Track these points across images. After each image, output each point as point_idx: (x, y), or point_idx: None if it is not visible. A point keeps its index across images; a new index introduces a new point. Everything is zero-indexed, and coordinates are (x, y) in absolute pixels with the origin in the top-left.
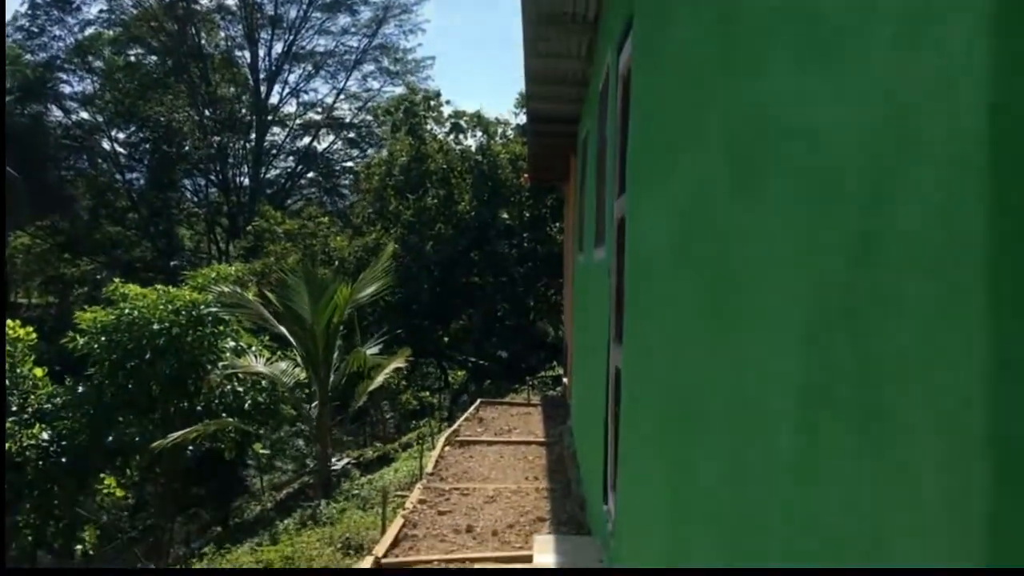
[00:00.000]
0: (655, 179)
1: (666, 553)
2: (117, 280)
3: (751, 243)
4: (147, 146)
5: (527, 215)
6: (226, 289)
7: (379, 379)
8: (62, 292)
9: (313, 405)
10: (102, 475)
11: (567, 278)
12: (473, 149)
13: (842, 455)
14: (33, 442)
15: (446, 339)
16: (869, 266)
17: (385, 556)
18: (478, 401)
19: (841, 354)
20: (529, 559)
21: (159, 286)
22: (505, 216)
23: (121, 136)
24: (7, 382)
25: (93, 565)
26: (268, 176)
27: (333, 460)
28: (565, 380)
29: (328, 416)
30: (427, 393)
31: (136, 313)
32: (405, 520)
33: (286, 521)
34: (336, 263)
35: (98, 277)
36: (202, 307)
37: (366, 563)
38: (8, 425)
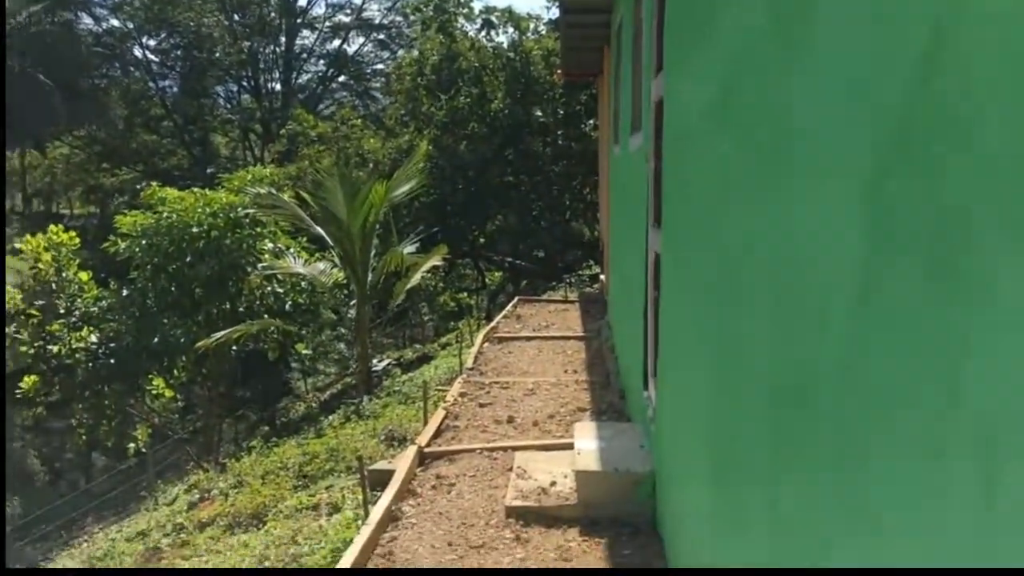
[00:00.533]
0: (694, 48)
1: (708, 434)
2: (155, 184)
3: (799, 92)
4: (178, 53)
5: (561, 112)
6: (262, 190)
7: (416, 277)
8: (102, 201)
9: (352, 304)
10: (150, 376)
11: (602, 175)
12: (505, 46)
13: (904, 322)
14: (82, 345)
15: (482, 240)
16: (931, 94)
17: (428, 446)
18: (515, 299)
19: (906, 205)
20: (570, 447)
21: (196, 189)
22: (539, 114)
23: (152, 43)
24: (53, 285)
25: (146, 464)
26: (299, 81)
27: (374, 361)
28: (602, 277)
29: (367, 313)
30: (465, 294)
31: (175, 216)
32: (446, 412)
33: (330, 417)
34: (370, 165)
35: (137, 187)
36: (239, 209)
37: (409, 452)
38: (56, 327)
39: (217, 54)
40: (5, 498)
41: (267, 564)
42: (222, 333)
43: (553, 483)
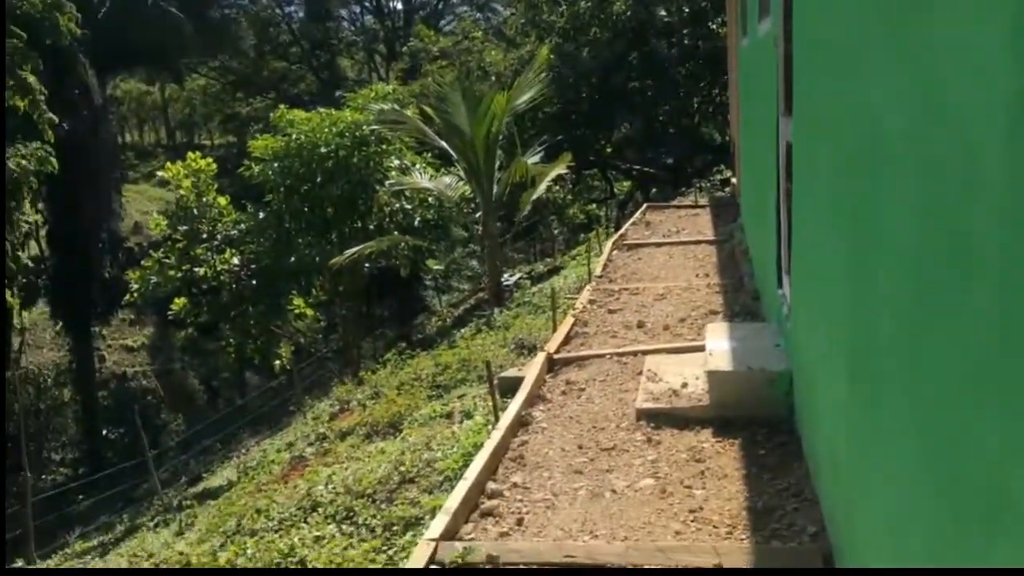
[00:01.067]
0: None
1: (845, 324)
2: (283, 107)
3: None
4: None
5: (686, 10)
6: (385, 107)
7: (541, 187)
8: (239, 130)
9: (478, 215)
10: (291, 295)
11: (732, 74)
12: None
13: None
14: (225, 267)
15: (608, 148)
16: None
17: (557, 352)
18: (644, 206)
19: None
20: (702, 349)
21: (322, 110)
22: (663, 13)
23: None
24: (195, 211)
25: (293, 380)
26: None
27: (505, 276)
28: (733, 180)
29: (494, 224)
30: (593, 205)
31: (303, 138)
32: (575, 319)
33: (462, 330)
34: (492, 78)
35: (271, 114)
36: (364, 127)
37: (539, 359)
38: (200, 251)
39: None
40: (5, 498)
41: (402, 469)
42: (354, 250)
43: (684, 384)
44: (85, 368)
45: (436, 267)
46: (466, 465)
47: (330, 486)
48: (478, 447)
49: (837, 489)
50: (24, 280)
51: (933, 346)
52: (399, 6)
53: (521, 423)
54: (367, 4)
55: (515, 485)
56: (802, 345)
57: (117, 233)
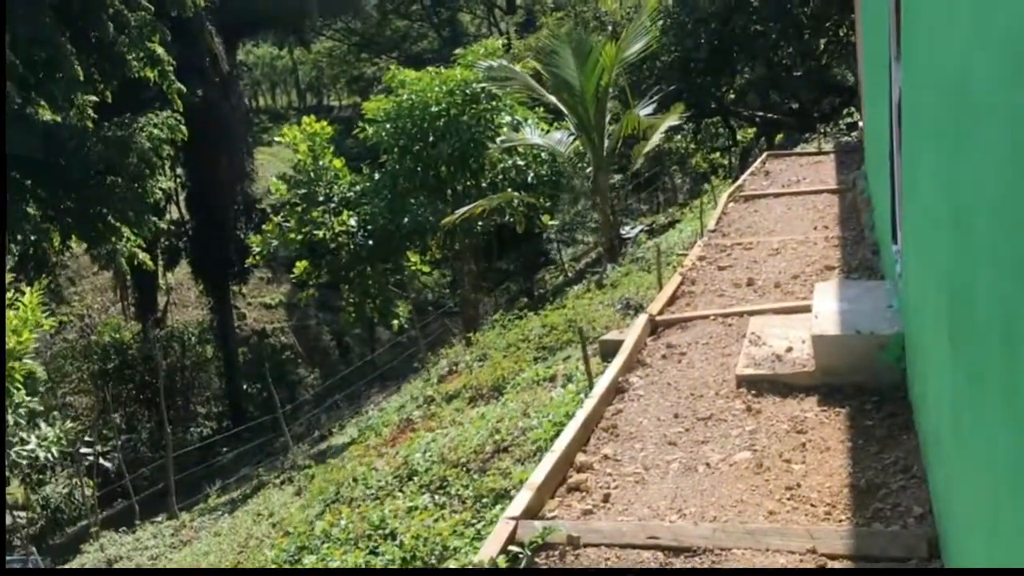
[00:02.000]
0: None
1: (946, 285)
2: (393, 67)
3: None
4: None
5: None
6: (494, 63)
7: (654, 139)
8: (364, 91)
9: (588, 170)
10: (407, 254)
11: (858, 9)
12: None
13: None
14: (343, 228)
15: (731, 95)
16: None
17: (660, 313)
18: (764, 154)
19: None
20: (812, 308)
21: (431, 68)
22: None
23: None
24: (312, 174)
25: (412, 336)
26: None
27: (626, 228)
28: (860, 124)
29: (606, 180)
30: (717, 154)
31: (414, 97)
32: (683, 278)
33: (575, 288)
34: (609, 27)
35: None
36: (474, 84)
37: (640, 321)
38: (316, 214)
39: None
40: (5, 499)
41: (497, 437)
42: (464, 209)
43: (789, 349)
44: (225, 325)
45: (552, 223)
46: (557, 435)
47: (427, 454)
48: (570, 416)
49: (940, 468)
50: (167, 243)
51: None
52: None
53: (617, 390)
54: None
55: (605, 457)
56: (914, 305)
57: (251, 195)
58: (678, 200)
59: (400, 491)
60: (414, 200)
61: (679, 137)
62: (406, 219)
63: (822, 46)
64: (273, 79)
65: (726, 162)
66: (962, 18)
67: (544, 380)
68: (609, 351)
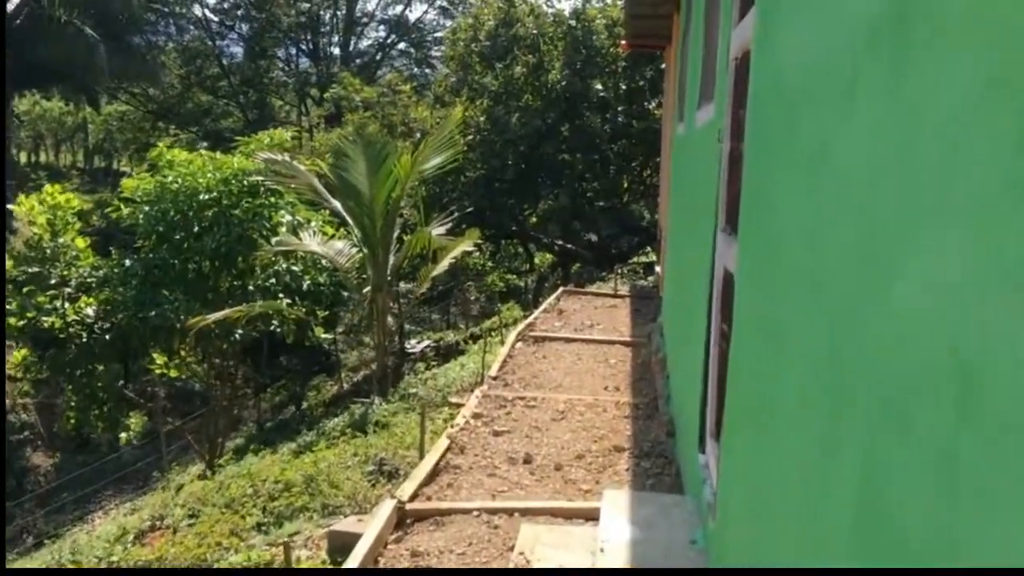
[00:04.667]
0: None
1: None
2: (162, 144)
3: None
4: (239, 12)
5: (623, 87)
6: (277, 156)
7: (444, 263)
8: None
9: (366, 291)
10: (152, 353)
11: (665, 157)
12: (566, 13)
13: None
14: (77, 317)
15: (533, 219)
16: None
17: (412, 499)
18: (559, 290)
19: None
20: (595, 516)
21: (204, 151)
22: (599, 87)
23: (211, 1)
24: (47, 252)
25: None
26: (360, 46)
27: (412, 342)
28: (658, 269)
29: (385, 302)
30: (514, 276)
31: (181, 181)
32: (451, 442)
33: (334, 421)
34: (417, 135)
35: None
36: (253, 176)
37: (384, 510)
38: (43, 299)
39: (278, 14)
40: (5, 499)
41: None
42: (219, 314)
43: None
44: None
45: (325, 336)
46: None
47: None
48: None
49: None
50: None
51: None
52: (337, 51)
53: None
54: (304, 46)
55: None
56: (737, 552)
57: None
58: (472, 313)
59: None
60: (168, 295)
61: (477, 254)
62: (153, 312)
63: (626, 185)
64: (59, 135)
65: (522, 284)
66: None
67: (258, 567)
68: (338, 547)
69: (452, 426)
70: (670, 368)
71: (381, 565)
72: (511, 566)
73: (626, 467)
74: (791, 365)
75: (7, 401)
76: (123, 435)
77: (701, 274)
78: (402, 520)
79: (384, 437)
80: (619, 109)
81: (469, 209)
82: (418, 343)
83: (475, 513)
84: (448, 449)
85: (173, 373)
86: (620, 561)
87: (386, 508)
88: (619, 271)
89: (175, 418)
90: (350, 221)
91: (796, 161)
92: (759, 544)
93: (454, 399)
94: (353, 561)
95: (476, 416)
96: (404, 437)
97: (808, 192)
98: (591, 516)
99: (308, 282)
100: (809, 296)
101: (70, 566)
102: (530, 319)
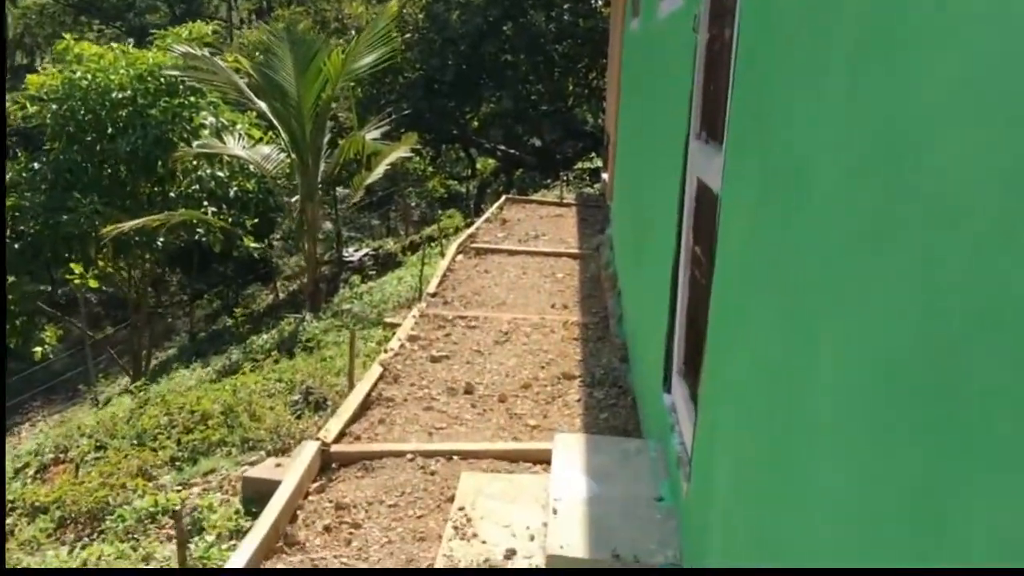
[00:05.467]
0: None
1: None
2: (69, 36)
3: None
4: None
5: None
6: (196, 51)
7: (379, 170)
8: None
9: (294, 200)
10: (70, 263)
11: (613, 58)
12: None
13: None
14: None
15: (475, 123)
16: None
17: (339, 439)
18: (502, 198)
19: None
20: (546, 459)
21: (117, 45)
22: None
23: None
24: None
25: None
26: None
27: (350, 250)
28: (605, 176)
29: (316, 210)
30: (455, 182)
31: (91, 77)
32: (384, 370)
33: (263, 337)
34: (352, 32)
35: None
36: (171, 72)
37: (307, 454)
38: None
39: None
40: (5, 499)
41: None
42: (137, 222)
43: (511, 553)
44: None
45: (254, 246)
46: None
47: None
48: None
49: None
50: None
51: None
52: None
53: None
54: None
55: None
56: (712, 518)
57: None
58: (413, 219)
59: None
60: (81, 198)
61: (417, 159)
62: (64, 217)
63: (571, 87)
64: None
65: (464, 190)
66: None
67: (161, 515)
68: (254, 496)
69: (386, 350)
70: (622, 285)
71: (301, 518)
72: (450, 524)
73: (577, 398)
74: (825, 332)
75: None
76: (37, 349)
77: (665, 187)
78: (326, 465)
79: (312, 362)
80: (564, 7)
81: (407, 112)
82: (356, 251)
83: (409, 456)
84: (381, 377)
85: (93, 284)
86: (575, 523)
87: (308, 451)
88: (565, 178)
89: (110, 325)
90: (277, 124)
91: (828, 50)
92: (762, 539)
93: (389, 318)
94: (269, 513)
95: (412, 339)
96: (334, 361)
97: (848, 97)
98: (540, 459)
99: (235, 189)
100: (864, 243)
101: None
102: (471, 229)
